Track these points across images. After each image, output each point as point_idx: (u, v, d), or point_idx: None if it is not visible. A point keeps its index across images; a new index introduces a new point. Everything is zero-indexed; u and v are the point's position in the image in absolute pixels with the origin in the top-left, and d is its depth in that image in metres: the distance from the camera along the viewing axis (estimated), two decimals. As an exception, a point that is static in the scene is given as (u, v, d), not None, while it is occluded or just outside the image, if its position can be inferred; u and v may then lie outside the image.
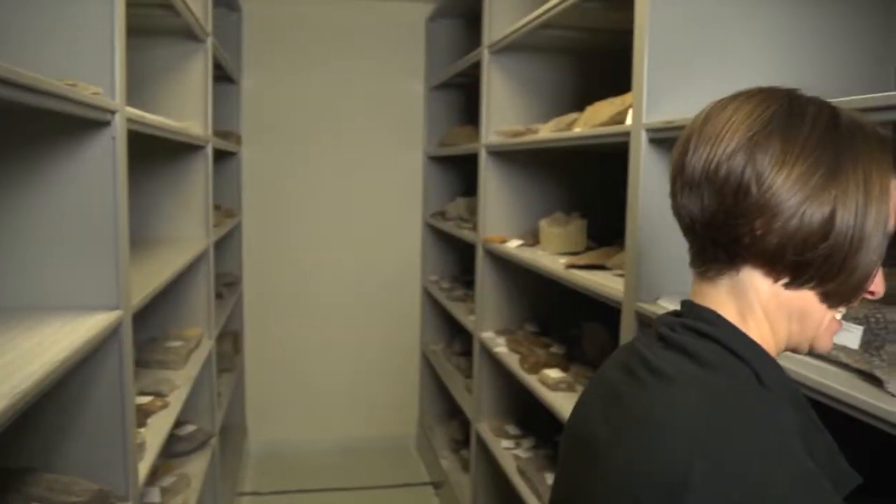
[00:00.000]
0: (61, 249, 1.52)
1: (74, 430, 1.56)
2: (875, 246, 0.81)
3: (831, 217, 0.79)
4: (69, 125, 1.47)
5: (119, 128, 1.51)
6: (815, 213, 0.79)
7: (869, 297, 0.87)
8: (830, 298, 0.85)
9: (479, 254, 3.08)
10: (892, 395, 1.03)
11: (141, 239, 2.78)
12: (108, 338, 1.51)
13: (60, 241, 1.51)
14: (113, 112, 1.49)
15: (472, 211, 3.44)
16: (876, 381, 1.08)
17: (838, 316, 0.88)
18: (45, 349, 1.24)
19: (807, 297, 0.85)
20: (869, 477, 0.88)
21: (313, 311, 4.46)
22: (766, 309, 0.86)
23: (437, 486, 3.98)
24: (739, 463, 0.70)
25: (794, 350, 0.90)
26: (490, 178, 3.03)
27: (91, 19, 1.46)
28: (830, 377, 1.12)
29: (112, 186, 1.50)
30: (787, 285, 0.85)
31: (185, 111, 2.78)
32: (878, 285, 0.86)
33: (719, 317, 0.86)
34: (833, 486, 0.75)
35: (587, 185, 3.05)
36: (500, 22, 2.86)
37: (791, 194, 0.79)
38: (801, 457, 0.73)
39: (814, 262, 0.81)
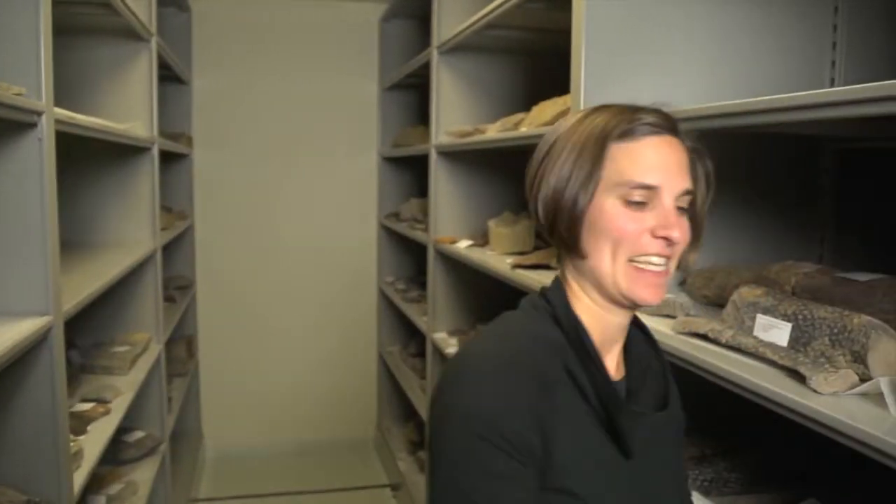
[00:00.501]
0: (-13, 254, 1.48)
1: (4, 439, 1.52)
2: (570, 199, 0.95)
3: (551, 192, 0.97)
4: (-7, 127, 1.43)
5: (46, 129, 1.47)
6: (542, 193, 0.99)
7: (666, 242, 0.94)
8: (572, 250, 0.98)
9: (431, 255, 3.08)
10: (815, 392, 1.04)
11: (85, 243, 2.73)
12: (38, 344, 1.48)
13: (-14, 245, 1.48)
14: (39, 113, 1.45)
15: (426, 212, 3.44)
16: (800, 378, 1.09)
17: (649, 265, 0.95)
18: (-34, 357, 1.21)
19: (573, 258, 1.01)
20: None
21: (269, 313, 4.41)
22: (569, 273, 1.03)
23: (394, 487, 3.97)
24: (476, 362, 0.94)
25: (615, 302, 0.99)
26: (441, 179, 3.03)
27: (14, 17, 1.42)
28: (757, 374, 1.13)
29: (39, 189, 1.47)
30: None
31: (130, 112, 2.74)
32: (672, 231, 0.93)
33: (557, 279, 1.05)
34: (615, 415, 0.94)
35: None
36: (449, 22, 2.86)
37: (535, 182, 1.00)
38: (541, 368, 0.92)
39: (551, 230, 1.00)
